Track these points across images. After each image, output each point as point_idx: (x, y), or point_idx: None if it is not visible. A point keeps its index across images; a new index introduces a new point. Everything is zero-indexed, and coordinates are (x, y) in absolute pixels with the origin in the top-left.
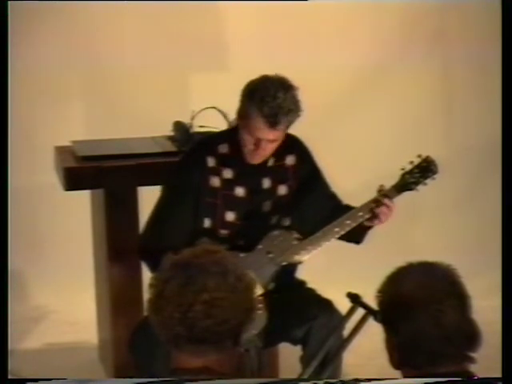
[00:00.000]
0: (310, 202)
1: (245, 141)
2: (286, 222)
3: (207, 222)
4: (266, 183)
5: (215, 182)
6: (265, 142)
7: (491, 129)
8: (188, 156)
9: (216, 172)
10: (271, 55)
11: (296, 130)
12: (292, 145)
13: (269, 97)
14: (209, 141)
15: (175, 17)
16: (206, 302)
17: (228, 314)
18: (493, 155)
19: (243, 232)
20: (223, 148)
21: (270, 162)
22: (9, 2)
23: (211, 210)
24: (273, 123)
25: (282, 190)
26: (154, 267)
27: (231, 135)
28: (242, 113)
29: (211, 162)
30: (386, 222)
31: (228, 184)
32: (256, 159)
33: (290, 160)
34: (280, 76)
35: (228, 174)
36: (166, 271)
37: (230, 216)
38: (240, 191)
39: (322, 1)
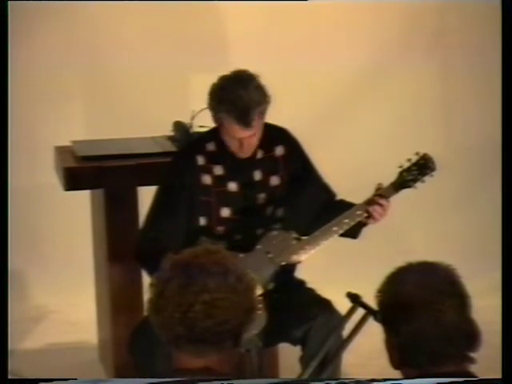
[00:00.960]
0: (301, 192)
1: (228, 142)
2: (281, 213)
3: (203, 221)
4: (258, 175)
5: (207, 179)
6: (246, 139)
7: (491, 129)
8: (178, 157)
9: (206, 170)
10: (271, 55)
11: (296, 129)
12: (279, 136)
13: (232, 99)
14: (196, 140)
15: (175, 17)
16: (207, 303)
17: (228, 314)
18: (493, 155)
19: (240, 227)
20: (211, 146)
21: (259, 154)
22: (9, 2)
23: (206, 208)
24: (245, 123)
25: (274, 180)
26: (152, 271)
27: (217, 133)
28: (216, 119)
29: (201, 160)
30: (380, 220)
31: (220, 180)
32: (245, 154)
33: (279, 151)
34: (237, 71)
35: (219, 170)
36: (167, 271)
37: (225, 212)
38: (233, 186)
39: (322, 1)
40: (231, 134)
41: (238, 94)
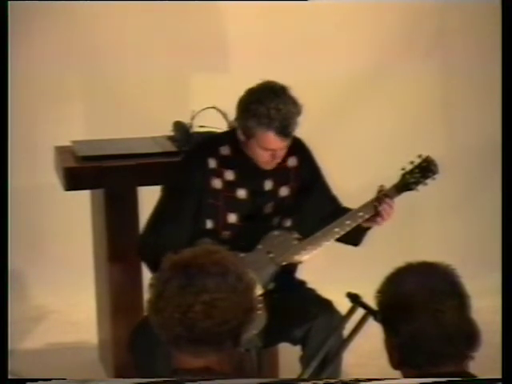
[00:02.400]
0: (310, 204)
1: (257, 155)
2: (288, 224)
3: (209, 224)
4: (268, 185)
5: (217, 183)
6: (279, 151)
7: (491, 129)
8: (189, 157)
9: (217, 174)
10: (271, 55)
11: (296, 130)
12: (294, 146)
13: (272, 112)
14: (210, 142)
15: (175, 17)
16: (206, 303)
17: (228, 314)
18: (493, 155)
19: (245, 233)
20: (224, 150)
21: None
22: (9, 2)
23: (213, 212)
24: (286, 134)
25: (284, 191)
26: (154, 268)
27: (232, 137)
28: (248, 130)
29: (212, 163)
30: (388, 220)
31: (230, 186)
32: (272, 165)
33: (291, 162)
34: (270, 83)
35: (230, 175)
36: (166, 271)
37: (232, 218)
38: (242, 193)
39: (322, 1)
40: (266, 145)
41: (277, 106)
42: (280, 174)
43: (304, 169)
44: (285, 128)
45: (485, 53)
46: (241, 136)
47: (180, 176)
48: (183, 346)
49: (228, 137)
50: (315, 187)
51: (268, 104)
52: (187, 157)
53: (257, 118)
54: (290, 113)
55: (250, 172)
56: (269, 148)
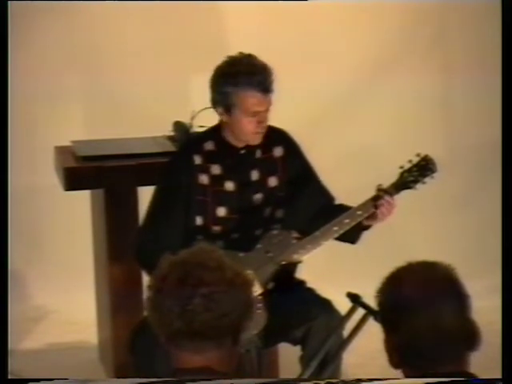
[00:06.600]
0: (300, 195)
1: (244, 126)
2: (279, 215)
3: (199, 220)
4: (255, 175)
5: (204, 179)
6: (262, 114)
7: (491, 129)
8: (174, 157)
9: (204, 169)
10: (271, 55)
11: (296, 129)
12: (278, 136)
13: (250, 69)
14: (194, 140)
15: (175, 17)
16: (205, 296)
17: (227, 307)
18: (493, 155)
19: (236, 226)
20: (208, 145)
21: (258, 154)
22: (9, 2)
23: (202, 208)
24: (266, 88)
25: (272, 181)
26: (150, 270)
27: (215, 132)
28: (228, 99)
29: (198, 159)
30: (388, 217)
31: (217, 180)
32: (258, 138)
33: (277, 151)
34: (237, 54)
35: (216, 170)
36: (164, 270)
37: (222, 211)
38: (229, 185)
39: (322, 1)
40: (251, 107)
41: (250, 63)
42: (266, 163)
43: (291, 159)
44: (264, 81)
45: (485, 53)
46: (223, 116)
47: (167, 176)
48: (182, 342)
49: (211, 132)
50: (304, 178)
51: (243, 63)
52: (173, 157)
53: (235, 78)
54: (264, 67)
55: (235, 163)
56: (254, 110)
